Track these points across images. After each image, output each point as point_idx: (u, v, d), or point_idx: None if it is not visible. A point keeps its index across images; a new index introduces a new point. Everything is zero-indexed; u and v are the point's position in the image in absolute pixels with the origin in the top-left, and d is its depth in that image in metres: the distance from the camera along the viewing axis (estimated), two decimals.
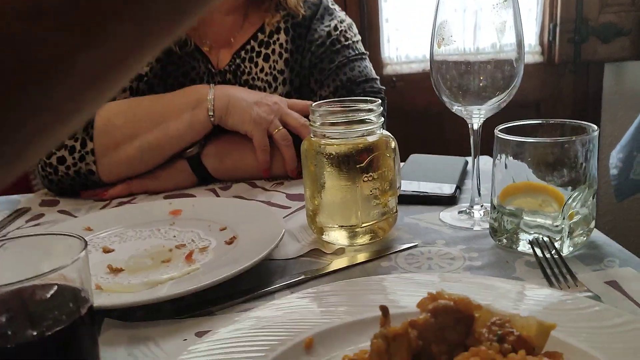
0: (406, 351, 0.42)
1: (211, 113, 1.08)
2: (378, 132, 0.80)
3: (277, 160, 1.14)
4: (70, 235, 0.55)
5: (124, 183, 1.12)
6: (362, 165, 0.77)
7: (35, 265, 0.54)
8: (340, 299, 0.62)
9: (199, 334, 0.62)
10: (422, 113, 2.36)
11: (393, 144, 0.81)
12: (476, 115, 0.86)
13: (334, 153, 0.77)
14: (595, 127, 0.74)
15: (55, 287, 0.53)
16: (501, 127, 0.78)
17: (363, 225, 0.80)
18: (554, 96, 2.40)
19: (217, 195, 1.10)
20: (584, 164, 0.72)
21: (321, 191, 0.80)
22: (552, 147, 0.72)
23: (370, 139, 0.79)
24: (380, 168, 0.79)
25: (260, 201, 1.03)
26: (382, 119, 0.80)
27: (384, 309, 0.47)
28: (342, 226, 0.80)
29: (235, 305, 0.68)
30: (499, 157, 0.77)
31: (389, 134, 0.81)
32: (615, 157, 1.88)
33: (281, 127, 1.11)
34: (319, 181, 0.79)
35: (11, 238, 0.55)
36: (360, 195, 0.78)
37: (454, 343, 0.44)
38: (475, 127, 0.87)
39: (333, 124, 0.78)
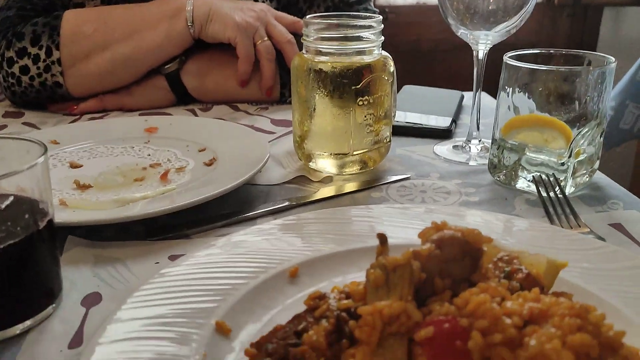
0: (408, 284, 0.38)
1: (190, 23, 0.99)
2: (376, 52, 0.73)
3: (257, 77, 1.06)
4: (27, 140, 0.49)
5: (96, 98, 1.03)
6: (357, 87, 0.70)
7: None
8: (327, 227, 0.57)
9: (173, 258, 0.56)
10: (413, 48, 2.27)
11: (392, 67, 0.74)
12: (482, 42, 0.79)
13: (327, 71, 0.70)
14: (613, 59, 0.68)
15: (11, 198, 0.47)
16: (510, 54, 0.72)
17: (354, 153, 0.74)
18: (548, 39, 2.33)
19: (196, 116, 1.03)
20: (596, 98, 0.67)
21: (311, 115, 0.73)
22: (566, 77, 0.66)
23: (368, 58, 0.72)
24: (376, 92, 0.72)
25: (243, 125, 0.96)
26: (382, 37, 0.73)
27: (382, 237, 0.42)
28: (332, 154, 0.74)
29: (213, 229, 0.62)
30: (505, 87, 0.71)
31: (388, 54, 0.75)
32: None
33: (266, 38, 1.02)
34: (310, 103, 0.73)
35: None
36: (353, 120, 0.72)
37: (459, 278, 0.40)
38: (481, 55, 0.81)
39: (328, 39, 0.71)
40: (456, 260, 0.40)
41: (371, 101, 0.72)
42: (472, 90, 0.84)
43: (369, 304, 0.38)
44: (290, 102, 1.08)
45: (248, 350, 0.40)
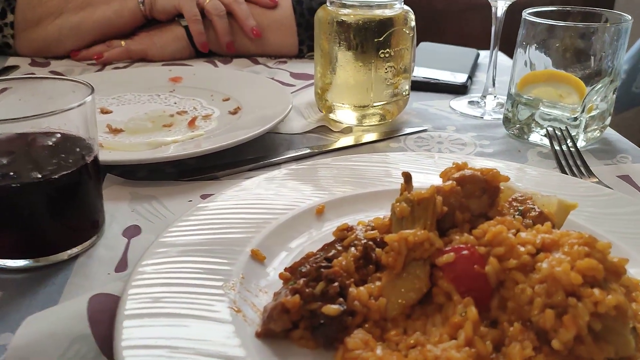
0: (431, 216, 0.41)
1: (141, 0, 1.05)
2: (398, 5, 0.75)
3: (271, 30, 1.09)
4: (73, 81, 0.52)
5: (122, 47, 1.06)
6: (379, 39, 0.73)
7: (39, 110, 0.51)
8: (349, 172, 0.61)
9: (205, 197, 0.60)
10: (426, 5, 2.26)
11: (412, 21, 0.76)
12: None
13: (351, 23, 0.72)
14: (629, 17, 0.70)
15: (61, 135, 0.50)
16: (529, 10, 0.73)
17: (374, 105, 0.77)
18: None
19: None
20: (611, 55, 0.69)
21: (333, 67, 0.76)
22: (583, 33, 0.68)
23: (390, 12, 0.74)
24: (397, 45, 0.74)
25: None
26: None
27: (407, 175, 0.45)
28: (353, 105, 0.77)
29: (241, 172, 0.66)
30: (523, 43, 0.73)
31: (409, 9, 0.76)
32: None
33: None
34: (332, 56, 0.75)
35: (13, 78, 0.52)
36: (374, 72, 0.74)
37: (477, 213, 0.43)
38: (499, 13, 0.82)
39: None
40: (475, 197, 0.43)
41: (392, 54, 0.74)
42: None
43: (394, 233, 0.41)
44: (307, 57, 1.10)
45: (283, 274, 0.44)
